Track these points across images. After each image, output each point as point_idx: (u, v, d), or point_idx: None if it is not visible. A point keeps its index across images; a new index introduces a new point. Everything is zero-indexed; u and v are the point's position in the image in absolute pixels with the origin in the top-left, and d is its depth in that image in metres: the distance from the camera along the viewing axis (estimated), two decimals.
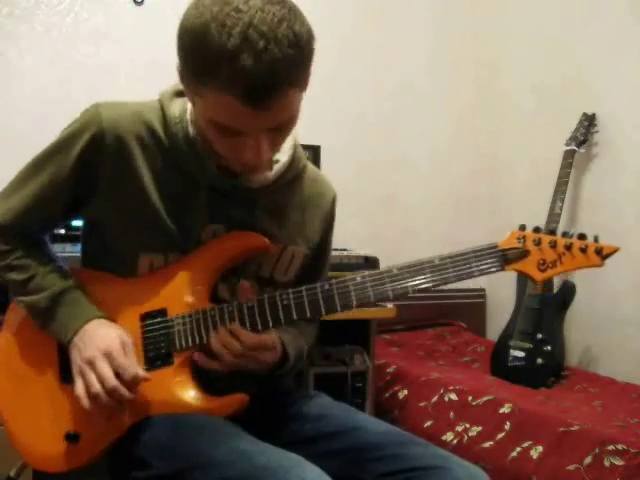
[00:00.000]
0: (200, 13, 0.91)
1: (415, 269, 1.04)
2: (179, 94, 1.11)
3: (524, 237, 1.04)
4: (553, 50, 2.95)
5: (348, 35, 2.97)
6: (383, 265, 2.31)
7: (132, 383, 1.05)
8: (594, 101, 2.71)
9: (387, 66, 3.07)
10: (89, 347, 1.06)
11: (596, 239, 1.03)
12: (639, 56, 2.57)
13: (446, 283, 1.04)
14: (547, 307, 2.54)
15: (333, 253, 2.18)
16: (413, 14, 3.13)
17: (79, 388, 1.06)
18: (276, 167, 1.15)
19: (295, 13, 0.94)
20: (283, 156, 1.16)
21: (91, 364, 1.05)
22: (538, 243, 1.03)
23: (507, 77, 3.22)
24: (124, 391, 1.04)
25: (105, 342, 1.06)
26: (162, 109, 1.11)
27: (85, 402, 1.05)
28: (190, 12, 0.94)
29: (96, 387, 1.04)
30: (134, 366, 1.06)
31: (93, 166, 1.08)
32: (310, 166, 1.27)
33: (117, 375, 1.04)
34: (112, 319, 1.12)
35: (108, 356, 1.05)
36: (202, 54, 0.91)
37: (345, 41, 2.96)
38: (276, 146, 1.05)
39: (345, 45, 2.96)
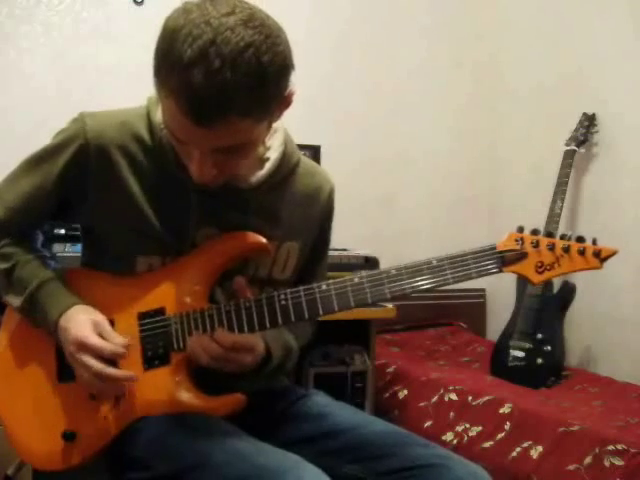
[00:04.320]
0: (179, 16, 0.92)
1: (413, 270, 1.04)
2: None
3: (522, 239, 1.04)
4: (553, 49, 2.95)
5: (346, 34, 2.97)
6: (383, 265, 2.31)
7: (116, 358, 1.05)
8: (594, 101, 2.71)
9: (385, 65, 3.07)
10: (66, 344, 1.07)
11: (594, 242, 1.02)
12: (639, 56, 2.57)
13: (444, 285, 1.03)
14: (547, 307, 2.54)
15: (333, 253, 2.19)
16: (411, 13, 3.12)
17: (78, 379, 1.09)
18: (267, 165, 1.14)
19: (271, 42, 0.91)
20: (273, 153, 1.15)
21: (73, 358, 1.07)
22: (536, 245, 1.03)
23: (507, 76, 3.21)
24: (109, 371, 1.04)
25: (76, 332, 1.06)
26: (148, 115, 1.11)
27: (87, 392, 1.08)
28: (173, 12, 0.94)
29: (85, 376, 1.06)
30: (108, 342, 1.05)
31: (79, 177, 1.10)
32: (305, 160, 1.25)
33: (101, 358, 1.04)
34: (110, 318, 1.12)
35: (81, 345, 1.05)
36: (164, 57, 0.92)
37: (343, 40, 2.96)
38: (227, 168, 1.02)
39: (343, 44, 2.96)
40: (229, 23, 0.89)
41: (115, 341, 1.06)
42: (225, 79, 0.88)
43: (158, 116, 1.09)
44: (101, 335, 1.07)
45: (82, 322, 1.07)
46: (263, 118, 0.97)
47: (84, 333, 1.06)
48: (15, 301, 1.14)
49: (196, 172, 1.00)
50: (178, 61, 0.89)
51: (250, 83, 0.89)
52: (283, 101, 1.00)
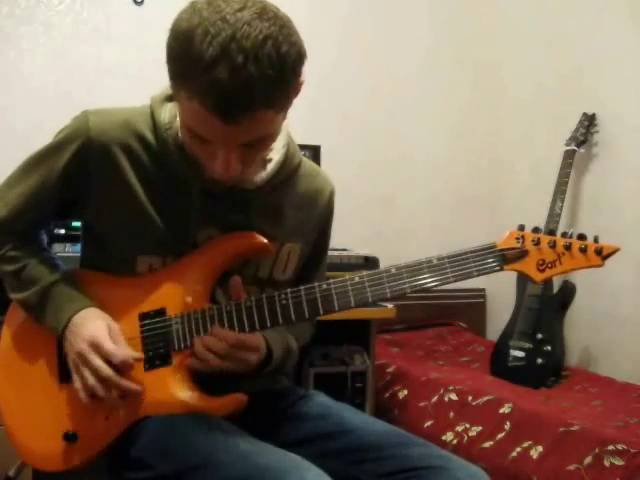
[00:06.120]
0: (190, 16, 0.91)
1: (413, 269, 1.04)
2: (170, 98, 1.10)
3: (523, 237, 1.04)
4: (553, 49, 2.95)
5: (346, 34, 2.98)
6: (383, 265, 2.30)
7: (123, 367, 1.05)
8: (594, 101, 2.71)
9: (386, 65, 3.07)
10: (78, 340, 1.07)
11: (596, 239, 1.02)
12: (639, 56, 2.57)
13: (445, 283, 1.03)
14: (547, 307, 2.54)
15: (333, 253, 2.20)
16: (412, 13, 3.12)
17: (76, 382, 1.07)
18: (269, 166, 1.14)
19: (286, 32, 0.92)
20: (276, 155, 1.15)
21: (82, 357, 1.06)
22: (537, 243, 1.03)
23: (507, 76, 3.21)
24: (118, 379, 1.04)
25: (91, 332, 1.06)
26: (152, 115, 1.10)
27: (83, 396, 1.07)
28: (182, 13, 0.93)
29: (90, 380, 1.05)
30: (122, 350, 1.06)
31: (81, 175, 1.09)
32: (306, 161, 1.26)
33: (109, 363, 1.05)
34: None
35: (95, 346, 1.05)
36: (182, 58, 0.91)
37: (343, 40, 2.96)
38: (250, 162, 1.03)
39: (343, 44, 2.96)
40: (245, 17, 0.89)
41: (127, 351, 1.07)
42: (249, 74, 0.88)
43: (162, 116, 1.09)
44: (114, 343, 1.07)
45: (99, 325, 1.08)
46: (284, 108, 0.98)
47: (100, 335, 1.06)
48: (22, 294, 1.14)
49: (222, 169, 0.99)
50: (199, 61, 0.88)
51: (272, 75, 0.90)
52: (297, 89, 1.00)
